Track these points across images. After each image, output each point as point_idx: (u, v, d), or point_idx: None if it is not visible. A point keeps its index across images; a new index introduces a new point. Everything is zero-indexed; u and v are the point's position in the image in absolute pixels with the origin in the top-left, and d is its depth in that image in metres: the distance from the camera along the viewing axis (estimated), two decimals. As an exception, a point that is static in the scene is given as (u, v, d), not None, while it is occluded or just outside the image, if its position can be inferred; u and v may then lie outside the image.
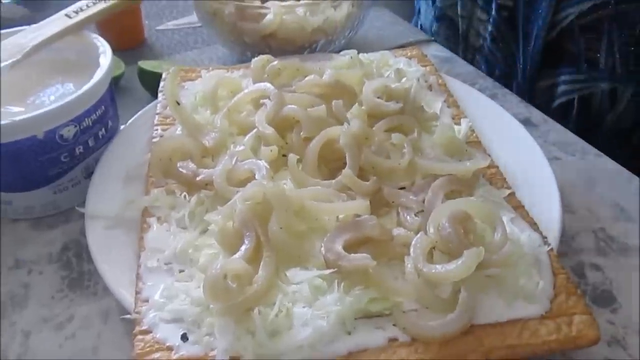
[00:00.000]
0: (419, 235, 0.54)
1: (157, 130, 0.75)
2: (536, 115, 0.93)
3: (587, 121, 1.01)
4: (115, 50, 0.90)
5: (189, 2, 1.22)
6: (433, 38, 1.17)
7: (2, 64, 0.71)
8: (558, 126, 0.91)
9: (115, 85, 0.96)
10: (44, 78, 0.76)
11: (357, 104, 0.72)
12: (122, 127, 0.79)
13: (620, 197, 0.77)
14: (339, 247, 0.53)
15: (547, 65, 1.04)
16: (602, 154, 0.85)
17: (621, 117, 0.96)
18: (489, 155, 0.71)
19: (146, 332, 0.50)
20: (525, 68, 1.06)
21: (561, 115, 1.03)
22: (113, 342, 0.59)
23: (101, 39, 0.77)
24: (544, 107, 1.01)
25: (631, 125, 0.96)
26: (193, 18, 1.19)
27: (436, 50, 1.12)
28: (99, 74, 0.70)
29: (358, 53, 0.85)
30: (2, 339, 0.59)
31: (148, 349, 0.49)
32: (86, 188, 0.68)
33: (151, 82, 0.90)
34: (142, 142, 0.75)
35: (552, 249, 0.58)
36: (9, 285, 0.65)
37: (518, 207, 0.64)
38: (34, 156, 0.66)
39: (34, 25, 0.78)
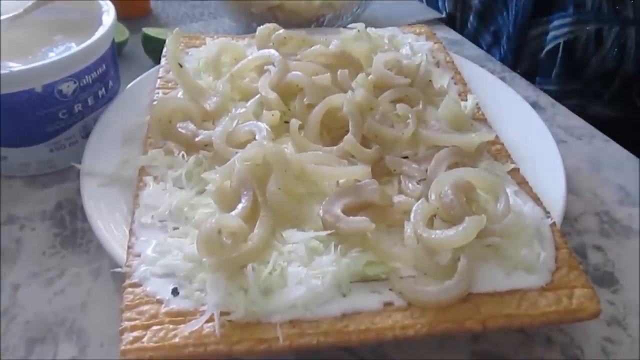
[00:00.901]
0: (420, 201, 0.53)
1: (158, 93, 0.74)
2: (543, 98, 0.92)
3: (572, 65, 1.02)
4: (121, 19, 0.89)
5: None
6: (444, 15, 1.16)
7: (3, 17, 0.70)
8: (565, 110, 0.89)
9: (118, 52, 0.94)
10: (46, 37, 0.75)
11: (363, 73, 0.70)
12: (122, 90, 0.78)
13: (625, 182, 0.76)
14: (337, 209, 0.52)
15: (540, 14, 1.04)
16: (609, 138, 0.84)
17: (605, 59, 0.97)
18: (495, 132, 0.69)
19: (136, 285, 0.49)
20: (516, 18, 1.06)
21: (550, 62, 1.04)
22: (102, 299, 0.58)
23: (106, -1, 0.75)
24: (534, 56, 1.03)
25: (614, 67, 0.97)
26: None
27: (445, 33, 1.10)
28: (101, 31, 0.68)
29: (366, 27, 0.84)
30: (-9, 292, 0.58)
31: (137, 301, 0.48)
32: (83, 148, 0.67)
33: (155, 49, 0.88)
34: (143, 105, 0.73)
35: (554, 224, 0.57)
36: (1, 239, 0.64)
37: (522, 183, 0.62)
38: (32, 110, 0.65)
39: (36, -18, 0.76)
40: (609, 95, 0.98)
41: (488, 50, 1.11)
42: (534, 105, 0.90)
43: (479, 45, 1.11)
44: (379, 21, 1.08)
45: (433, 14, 1.15)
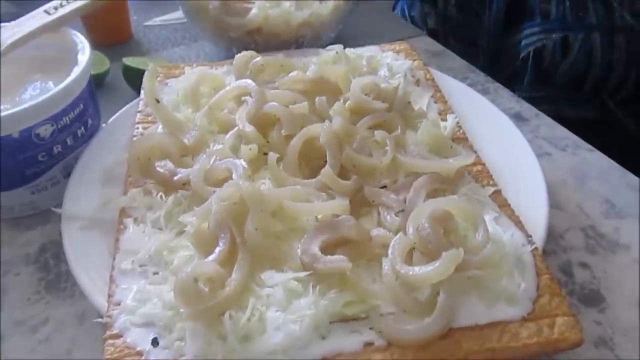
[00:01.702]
0: (397, 236, 0.53)
1: (138, 128, 0.73)
2: (527, 109, 0.92)
3: (542, 72, 1.04)
4: (102, 47, 0.89)
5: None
6: (425, 32, 1.16)
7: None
8: (549, 120, 0.89)
9: (100, 82, 0.95)
10: (23, 76, 0.75)
11: (341, 100, 0.70)
12: (103, 125, 0.78)
13: (611, 193, 0.76)
14: (315, 248, 0.52)
15: (513, 24, 1.07)
16: (593, 148, 0.84)
17: (574, 65, 0.99)
18: (475, 152, 0.69)
19: (117, 336, 0.49)
20: (489, 30, 1.09)
21: (523, 70, 1.06)
22: (88, 345, 0.58)
23: (80, 35, 0.75)
24: (510, 65, 1.06)
25: (584, 72, 0.99)
26: (181, 14, 1.18)
27: (427, 44, 1.10)
28: (76, 72, 0.68)
29: (345, 48, 0.84)
30: (-25, 343, 0.58)
31: (117, 354, 0.48)
32: (65, 187, 0.67)
33: (135, 79, 0.88)
34: (123, 141, 0.73)
35: (536, 249, 0.57)
36: (-15, 287, 0.64)
37: (503, 206, 0.62)
38: (10, 156, 0.65)
39: (12, 22, 0.76)
40: (582, 99, 1.00)
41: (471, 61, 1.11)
42: (518, 116, 0.90)
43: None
44: (361, 39, 1.08)
45: (415, 31, 1.14)
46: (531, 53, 1.03)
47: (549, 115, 0.90)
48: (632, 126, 1.00)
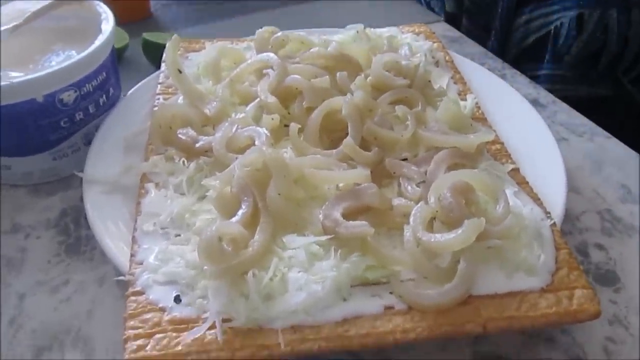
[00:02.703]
0: (419, 204, 0.53)
1: (158, 99, 0.74)
2: (544, 95, 0.92)
3: (556, 51, 1.03)
4: (121, 23, 0.89)
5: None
6: (442, 17, 1.16)
7: (3, 28, 0.70)
8: (566, 107, 0.89)
9: (119, 57, 0.95)
10: (46, 45, 0.75)
11: (362, 75, 0.70)
12: (124, 96, 0.79)
13: (627, 179, 0.76)
14: (337, 214, 0.53)
15: (524, 4, 1.06)
16: (610, 135, 0.84)
17: (588, 42, 0.98)
18: (494, 131, 0.70)
19: (139, 293, 0.50)
20: (502, 10, 1.09)
21: (536, 50, 1.06)
22: (108, 306, 0.58)
23: (103, 5, 0.76)
24: (519, 45, 1.06)
25: (598, 49, 0.98)
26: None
27: (445, 30, 1.10)
28: (100, 39, 0.69)
29: (364, 27, 0.84)
30: (-3, 301, 0.59)
31: (140, 310, 0.48)
32: (85, 155, 0.67)
33: (155, 54, 0.89)
34: (143, 111, 0.74)
35: (555, 224, 0.57)
36: (6, 248, 0.64)
37: (522, 183, 0.63)
38: (34, 120, 0.65)
39: (37, -9, 0.77)
40: (596, 76, 1.00)
41: (481, 44, 1.12)
42: (535, 102, 0.90)
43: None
44: (377, 24, 1.08)
45: (432, 17, 1.15)
46: (552, 31, 1.02)
47: (562, 94, 0.90)
48: None
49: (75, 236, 0.66)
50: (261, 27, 0.80)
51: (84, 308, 0.58)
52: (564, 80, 1.02)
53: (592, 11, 0.97)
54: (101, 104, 0.72)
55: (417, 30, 0.88)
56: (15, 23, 0.71)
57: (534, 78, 1.03)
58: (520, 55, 1.09)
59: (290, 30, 0.80)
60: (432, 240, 0.50)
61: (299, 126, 0.62)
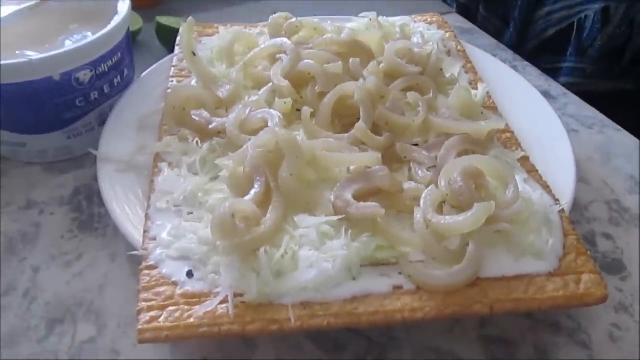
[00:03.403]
0: (429, 187, 0.54)
1: (172, 82, 0.75)
2: (555, 87, 0.92)
3: (579, 44, 1.03)
4: (135, 8, 0.90)
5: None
6: (454, 9, 1.16)
7: (21, 6, 0.71)
8: (577, 99, 0.89)
9: (133, 40, 0.96)
10: (62, 25, 0.76)
11: (375, 62, 0.71)
12: (137, 78, 0.79)
13: (636, 171, 0.76)
14: (348, 195, 0.53)
15: None
16: (621, 128, 0.84)
17: (613, 36, 0.97)
18: (505, 120, 0.70)
19: (152, 267, 0.51)
20: (523, 1, 1.08)
21: (558, 42, 1.05)
22: (119, 281, 0.59)
23: (120, -14, 0.76)
24: (539, 37, 1.06)
25: (623, 43, 0.97)
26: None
27: (456, 21, 1.10)
28: (116, 20, 0.70)
29: (377, 16, 0.84)
30: (11, 274, 0.60)
31: (154, 283, 0.49)
32: (99, 135, 0.68)
33: (168, 38, 0.90)
34: (157, 93, 0.75)
35: (563, 211, 0.57)
36: (20, 224, 0.65)
37: (531, 171, 0.63)
38: (50, 98, 0.66)
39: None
40: (619, 71, 0.99)
41: (497, 35, 1.11)
42: (546, 94, 0.90)
43: (489, 33, 1.12)
44: (389, 15, 1.08)
45: (444, 8, 1.15)
46: (575, 24, 1.02)
47: (583, 87, 0.90)
48: None
49: (88, 213, 0.67)
50: (274, 14, 0.81)
51: (97, 282, 0.59)
52: (587, 74, 1.02)
53: (619, 5, 0.96)
54: (116, 84, 0.73)
55: (429, 20, 0.89)
56: (31, 3, 0.72)
57: (554, 71, 1.03)
58: (539, 48, 1.08)
59: (310, 11, 0.79)
60: (442, 222, 0.50)
61: (312, 110, 0.63)
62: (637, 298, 0.60)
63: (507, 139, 0.68)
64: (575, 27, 1.02)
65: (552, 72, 1.03)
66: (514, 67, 0.96)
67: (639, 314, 0.59)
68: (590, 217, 0.69)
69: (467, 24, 1.10)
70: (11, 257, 0.62)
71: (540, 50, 1.08)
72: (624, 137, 0.82)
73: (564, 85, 1.00)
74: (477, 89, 0.75)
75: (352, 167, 0.58)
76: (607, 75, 0.98)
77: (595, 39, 0.99)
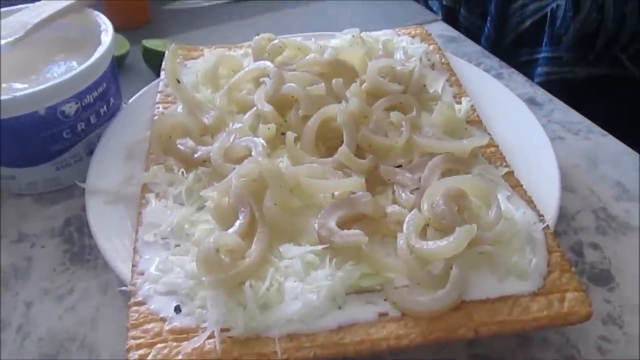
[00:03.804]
0: (412, 212, 0.55)
1: (158, 108, 0.75)
2: (541, 94, 0.92)
3: (553, 33, 1.04)
4: (121, 30, 0.91)
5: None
6: (440, 18, 1.17)
7: (4, 41, 0.72)
8: (562, 105, 0.90)
9: (120, 64, 0.96)
10: (47, 55, 0.77)
11: (357, 82, 0.71)
12: (124, 105, 0.80)
13: (623, 177, 0.77)
14: (332, 223, 0.54)
15: None
16: (606, 133, 0.84)
17: (585, 22, 0.98)
18: (489, 134, 0.70)
19: (141, 303, 0.51)
20: None
21: (533, 33, 1.07)
22: (111, 314, 0.60)
23: (103, 16, 0.77)
24: (516, 29, 1.08)
25: (595, 29, 0.98)
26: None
27: (442, 30, 1.11)
28: (99, 51, 0.70)
29: (360, 32, 0.85)
30: (5, 310, 0.60)
31: (142, 319, 0.50)
32: (88, 164, 0.69)
33: (155, 61, 0.90)
34: (144, 120, 0.75)
35: (547, 227, 0.58)
36: (13, 257, 0.66)
37: (516, 186, 0.63)
38: (36, 132, 0.67)
39: (36, 3, 0.78)
40: (594, 56, 1.00)
41: (479, 34, 1.13)
42: (531, 101, 0.91)
43: (472, 33, 1.13)
44: (375, 24, 1.09)
45: (430, 17, 1.15)
46: (548, 14, 1.02)
47: (561, 76, 0.92)
48: None
49: (79, 245, 0.68)
50: (260, 31, 0.81)
51: (89, 316, 0.60)
52: (562, 62, 1.03)
53: None
54: (102, 114, 0.74)
55: (413, 33, 0.89)
56: (16, 36, 0.73)
57: (533, 62, 1.04)
58: (516, 41, 1.10)
59: (289, 32, 0.80)
60: (425, 247, 0.51)
61: (295, 135, 0.64)
62: (625, 309, 0.61)
63: (492, 154, 0.68)
64: (548, 17, 1.02)
65: (531, 64, 1.04)
66: (500, 75, 0.97)
67: (629, 325, 0.59)
68: (577, 227, 0.70)
69: (453, 32, 1.11)
70: (4, 292, 0.63)
71: (518, 43, 1.10)
72: (610, 142, 0.83)
73: (542, 75, 1.02)
74: (461, 102, 0.75)
75: (336, 192, 0.58)
76: (582, 62, 0.99)
77: (568, 27, 1.00)
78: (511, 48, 1.07)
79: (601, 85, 1.00)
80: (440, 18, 1.16)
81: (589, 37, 0.99)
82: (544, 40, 1.05)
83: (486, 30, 1.14)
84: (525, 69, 1.03)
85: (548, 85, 1.00)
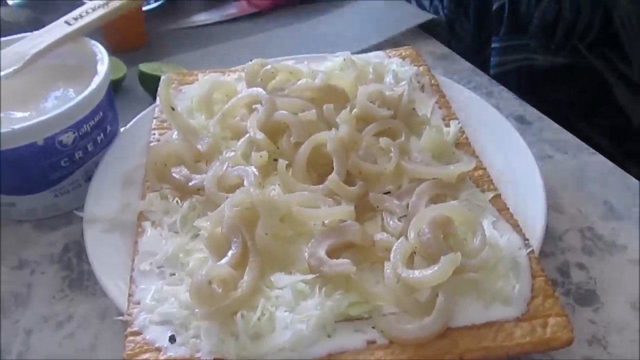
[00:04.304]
0: (399, 240, 0.56)
1: (154, 134, 0.77)
2: (530, 112, 0.94)
3: (517, 21, 1.06)
4: (118, 52, 0.93)
5: (190, 2, 1.26)
6: (434, 16, 1.19)
7: (4, 72, 0.74)
8: (552, 124, 0.91)
9: (117, 87, 0.98)
10: (45, 83, 0.79)
11: (347, 108, 0.73)
12: (121, 129, 0.82)
13: (611, 196, 0.78)
14: (322, 252, 0.55)
15: None
16: (595, 152, 0.86)
17: (546, 11, 1.00)
18: (477, 157, 0.72)
19: (137, 333, 0.53)
20: None
21: (498, 20, 1.08)
22: (110, 341, 0.62)
23: (99, 45, 0.79)
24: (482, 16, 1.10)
25: (555, 17, 1.00)
26: (194, 18, 1.22)
27: (434, 47, 1.12)
28: (96, 81, 0.72)
29: (353, 53, 0.87)
30: (5, 337, 0.62)
31: (138, 350, 0.51)
32: (86, 191, 0.70)
33: (151, 85, 0.92)
34: (140, 146, 0.77)
35: (532, 252, 0.59)
36: (13, 284, 0.68)
37: (502, 209, 0.65)
38: (35, 162, 0.69)
39: (34, 33, 0.80)
40: (555, 45, 1.02)
41: (469, 36, 1.16)
42: (521, 119, 0.92)
43: (465, 38, 1.16)
44: (370, 28, 1.11)
45: (423, 17, 1.17)
46: (506, 3, 1.05)
47: (525, 62, 0.97)
48: (601, 69, 1.01)
49: (78, 271, 0.69)
50: (255, 50, 0.83)
51: (88, 342, 0.62)
52: (529, 49, 1.05)
53: None
54: (99, 141, 0.75)
55: (403, 54, 0.91)
56: (15, 67, 0.75)
57: (505, 49, 1.07)
58: (481, 27, 1.13)
59: (287, 48, 0.80)
60: (411, 276, 0.53)
61: (287, 162, 0.65)
62: (610, 330, 0.62)
63: (479, 177, 0.70)
64: (512, 5, 1.04)
65: (504, 50, 1.07)
66: (490, 93, 0.99)
67: (614, 346, 0.61)
68: (565, 247, 0.71)
69: (444, 49, 1.12)
70: (4, 319, 0.64)
71: (483, 29, 1.12)
72: (598, 161, 0.84)
73: (512, 62, 1.04)
74: (449, 125, 0.77)
75: (326, 220, 0.60)
76: (545, 51, 1.02)
77: (532, 15, 1.01)
78: (488, 40, 1.09)
79: (562, 74, 1.03)
80: (433, 16, 1.18)
81: (550, 26, 1.02)
82: (502, 29, 1.07)
83: (469, 28, 1.16)
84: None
85: (504, 75, 1.03)
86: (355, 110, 0.73)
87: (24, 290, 0.68)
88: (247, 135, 0.71)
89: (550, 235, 0.71)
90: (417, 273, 0.53)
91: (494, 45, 1.07)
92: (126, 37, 1.10)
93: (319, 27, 1.19)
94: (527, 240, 0.61)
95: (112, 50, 0.77)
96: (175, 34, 1.19)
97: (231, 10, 1.27)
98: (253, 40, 1.15)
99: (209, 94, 0.79)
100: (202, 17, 1.25)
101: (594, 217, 0.75)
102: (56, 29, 0.80)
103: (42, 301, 0.66)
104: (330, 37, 1.14)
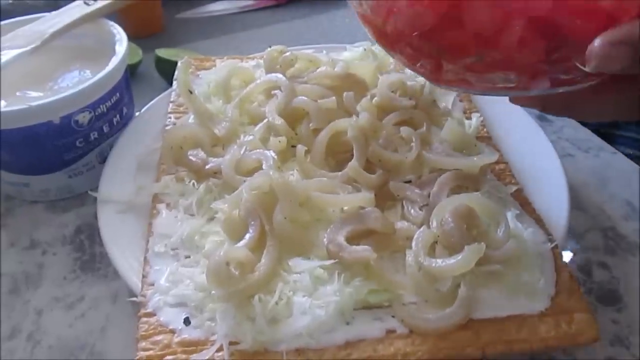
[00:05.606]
0: (421, 229, 0.55)
1: (170, 118, 0.76)
2: (551, 111, 0.92)
3: None
4: (134, 38, 0.92)
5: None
6: None
7: (22, 50, 0.73)
8: (573, 122, 0.90)
9: (132, 72, 0.97)
10: (63, 64, 0.78)
11: (368, 96, 0.71)
12: (137, 113, 0.81)
13: (633, 196, 0.77)
14: (341, 238, 0.54)
15: None
16: (616, 151, 0.84)
17: None
18: (499, 151, 0.71)
19: (150, 314, 0.52)
20: None
21: None
22: (121, 323, 0.60)
23: (117, 26, 0.78)
24: None
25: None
26: (211, 7, 1.21)
27: (453, 43, 1.11)
28: (114, 62, 0.71)
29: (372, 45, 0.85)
30: (16, 317, 0.61)
31: (152, 331, 0.50)
32: (100, 173, 0.69)
33: (167, 70, 0.91)
34: (156, 130, 0.76)
35: (556, 247, 0.58)
36: (25, 264, 0.67)
37: (525, 204, 0.64)
38: (50, 141, 0.68)
39: (52, 13, 0.79)
40: None
41: None
42: (541, 117, 0.90)
43: None
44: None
45: None
46: None
47: None
48: None
49: (90, 253, 0.68)
50: (272, 41, 0.82)
51: (99, 324, 0.61)
52: None
53: None
54: (115, 123, 0.74)
55: (424, 47, 0.89)
56: (33, 45, 0.74)
57: None
58: None
59: (303, 39, 0.79)
60: (434, 265, 0.51)
61: (306, 148, 0.64)
62: (633, 330, 0.60)
63: (501, 171, 0.68)
64: None
65: None
66: (510, 90, 0.97)
67: (637, 346, 0.59)
68: (586, 246, 0.70)
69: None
70: (16, 299, 0.63)
71: None
72: (620, 160, 0.83)
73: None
74: (471, 118, 0.76)
75: (345, 207, 0.59)
76: None
77: None
78: None
79: None
80: None
81: None
82: None
83: None
84: None
85: None
86: (375, 99, 0.71)
87: (35, 270, 0.67)
88: (266, 120, 0.70)
89: (571, 233, 0.70)
90: (440, 262, 0.51)
91: None
92: (143, 23, 1.09)
93: (337, 20, 1.18)
94: (551, 235, 0.59)
95: (129, 36, 0.76)
96: (192, 22, 1.19)
97: (248, 2, 1.27)
98: (270, 30, 1.15)
99: (227, 80, 0.78)
100: (219, 7, 1.24)
101: (616, 217, 0.74)
102: (75, 9, 0.79)
103: (54, 282, 0.65)
104: (349, 29, 1.12)
